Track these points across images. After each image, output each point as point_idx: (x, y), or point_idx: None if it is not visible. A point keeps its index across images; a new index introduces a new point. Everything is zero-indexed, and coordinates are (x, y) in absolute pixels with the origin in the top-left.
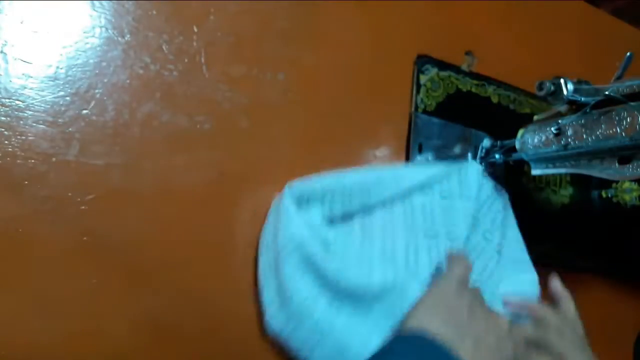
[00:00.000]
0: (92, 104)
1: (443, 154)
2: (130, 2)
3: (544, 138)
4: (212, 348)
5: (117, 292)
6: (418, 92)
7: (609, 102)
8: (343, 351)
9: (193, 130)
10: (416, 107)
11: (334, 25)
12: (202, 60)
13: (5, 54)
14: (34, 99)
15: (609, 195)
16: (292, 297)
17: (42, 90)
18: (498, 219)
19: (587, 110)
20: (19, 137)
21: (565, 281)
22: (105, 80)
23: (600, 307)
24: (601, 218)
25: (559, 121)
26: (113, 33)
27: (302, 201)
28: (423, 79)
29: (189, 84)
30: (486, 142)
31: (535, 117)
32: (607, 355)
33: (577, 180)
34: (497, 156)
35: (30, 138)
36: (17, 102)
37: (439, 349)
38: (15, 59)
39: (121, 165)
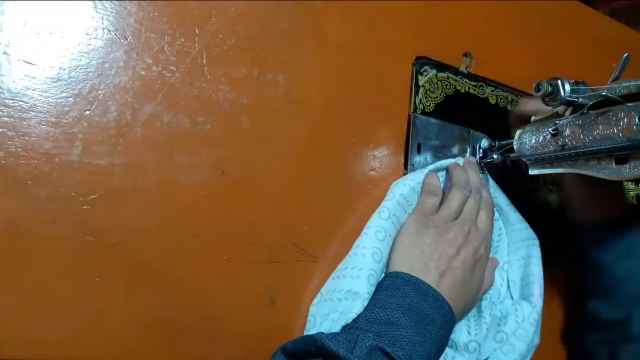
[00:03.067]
0: (95, 104)
1: (442, 155)
2: (132, 4)
3: (541, 138)
4: (214, 347)
5: (119, 291)
6: (417, 93)
7: (606, 103)
8: None
9: (195, 131)
10: (415, 108)
11: (334, 27)
12: (204, 61)
13: (8, 55)
14: (37, 100)
15: None
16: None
17: (45, 92)
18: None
19: (585, 111)
20: (22, 137)
21: (563, 281)
22: (108, 82)
23: None
24: None
25: (556, 122)
26: (115, 35)
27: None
28: (421, 80)
29: (190, 85)
30: (484, 143)
31: (533, 118)
32: None
33: None
34: (495, 156)
35: (33, 138)
36: (20, 102)
37: (410, 280)
38: (18, 60)
39: (123, 165)
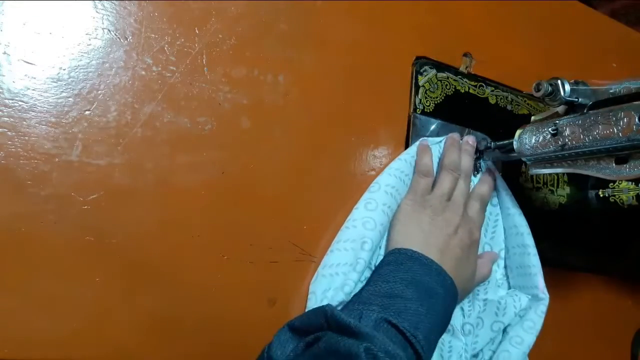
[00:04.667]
0: (95, 104)
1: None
2: (132, 4)
3: (541, 138)
4: (214, 347)
5: (119, 291)
6: (417, 93)
7: (606, 103)
8: None
9: (195, 131)
10: (415, 108)
11: (333, 27)
12: (204, 61)
13: (8, 55)
14: (37, 100)
15: (607, 195)
16: None
17: (45, 92)
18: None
19: (585, 111)
20: (22, 137)
21: (563, 281)
22: (108, 82)
23: (598, 306)
24: (599, 217)
25: (556, 122)
26: (115, 35)
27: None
28: (421, 80)
29: (190, 85)
30: (480, 144)
31: (533, 118)
32: (605, 354)
33: (575, 180)
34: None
35: (33, 138)
36: (20, 102)
37: (412, 255)
38: (18, 60)
39: (123, 165)
